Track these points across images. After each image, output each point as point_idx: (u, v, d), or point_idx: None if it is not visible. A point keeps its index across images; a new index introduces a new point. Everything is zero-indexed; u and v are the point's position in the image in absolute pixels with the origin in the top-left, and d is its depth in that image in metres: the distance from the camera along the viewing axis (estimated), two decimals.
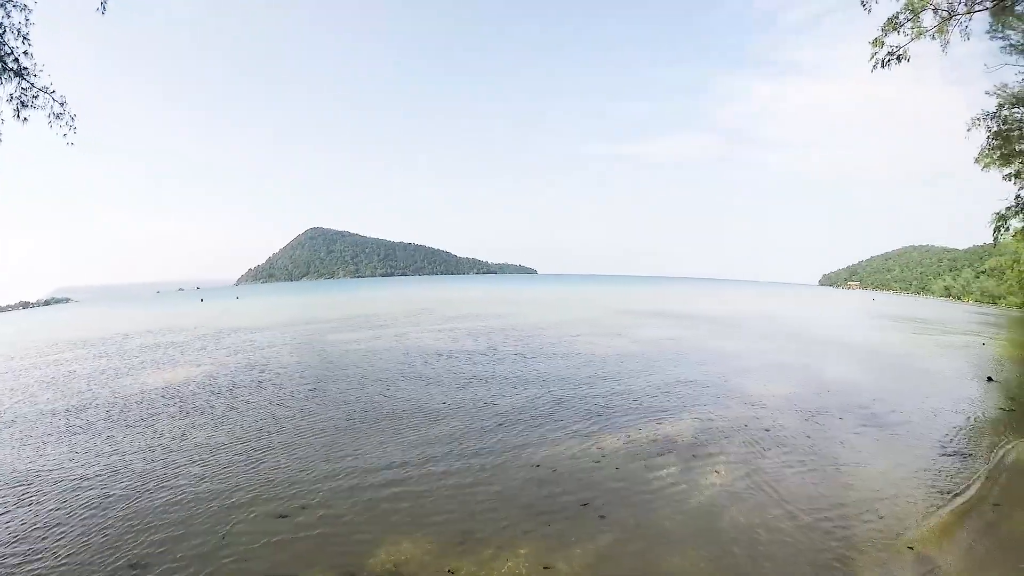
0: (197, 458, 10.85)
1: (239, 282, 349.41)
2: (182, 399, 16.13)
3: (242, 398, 16.03)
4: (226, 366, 21.29)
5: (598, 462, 10.34)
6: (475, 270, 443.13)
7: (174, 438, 12.24)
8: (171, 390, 17.24)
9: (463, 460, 10.51)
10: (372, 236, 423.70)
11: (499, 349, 24.46)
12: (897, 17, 32.08)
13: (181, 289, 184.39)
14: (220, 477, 9.72)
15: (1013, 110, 42.84)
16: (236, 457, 10.85)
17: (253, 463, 10.48)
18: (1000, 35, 42.46)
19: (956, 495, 9.35)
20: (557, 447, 11.19)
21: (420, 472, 9.88)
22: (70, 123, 15.03)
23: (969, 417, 15.19)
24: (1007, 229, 46.72)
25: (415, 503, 8.58)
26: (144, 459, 10.78)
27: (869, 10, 32.42)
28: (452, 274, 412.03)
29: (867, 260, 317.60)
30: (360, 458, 10.69)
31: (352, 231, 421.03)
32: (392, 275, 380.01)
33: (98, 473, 10.14)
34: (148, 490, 9.18)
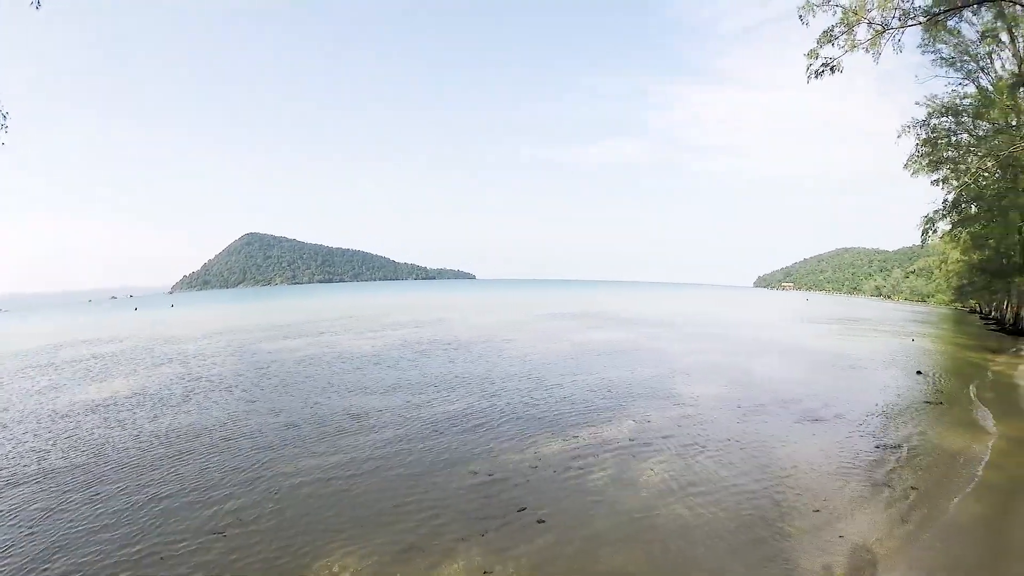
0: (125, 476, 10.27)
1: (174, 289, 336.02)
2: (111, 414, 15.31)
3: (174, 411, 15.32)
4: (158, 378, 20.38)
5: (535, 466, 10.27)
6: (413, 275, 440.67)
7: (100, 455, 11.55)
8: (100, 405, 16.33)
9: (400, 468, 10.28)
10: (310, 242, 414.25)
11: (434, 356, 24.21)
12: (832, 30, 33.39)
13: (114, 297, 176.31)
14: (151, 495, 9.21)
15: (941, 119, 45.05)
16: (167, 473, 10.31)
17: (185, 478, 9.99)
18: (932, 49, 44.67)
19: (886, 485, 9.67)
20: (493, 452, 11.07)
21: (356, 482, 9.60)
22: (1, 122, 13.85)
23: (899, 410, 15.84)
24: (935, 231, 49.19)
25: (352, 514, 8.31)
26: (68, 480, 10.10)
27: (807, 24, 33.64)
28: (391, 279, 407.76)
29: (800, 262, 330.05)
30: (295, 469, 10.33)
31: (289, 236, 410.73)
32: (330, 281, 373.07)
33: (20, 495, 9.48)
34: (74, 512, 8.60)
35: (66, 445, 12.30)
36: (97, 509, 8.71)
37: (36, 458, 11.42)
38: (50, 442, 12.57)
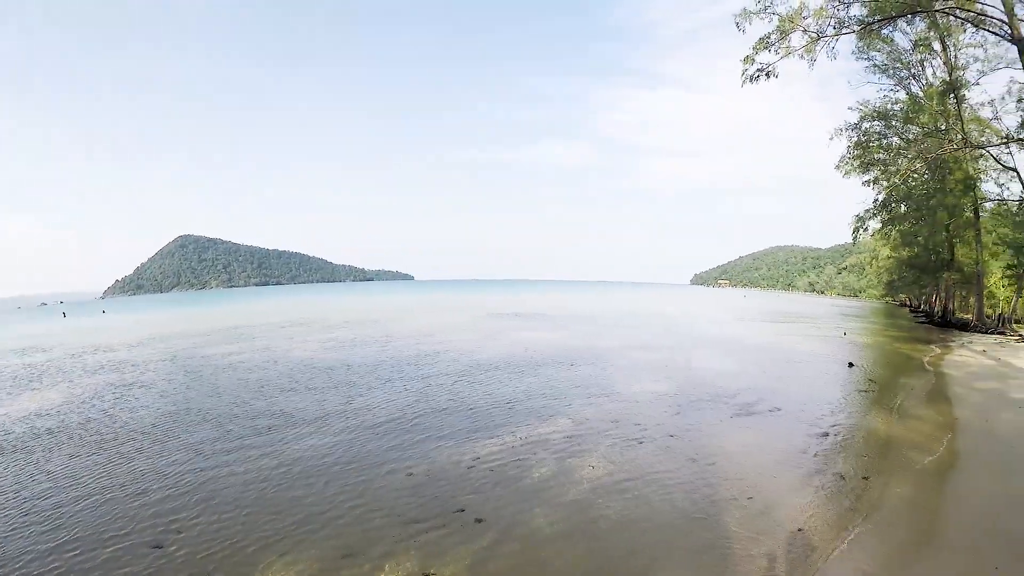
0: (54, 486, 9.63)
1: (106, 295, 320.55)
2: (40, 424, 14.46)
3: (105, 422, 14.51)
4: (88, 388, 19.32)
5: (472, 466, 10.10)
6: (351, 277, 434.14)
7: (29, 472, 10.76)
8: (27, 418, 15.35)
9: (337, 472, 9.96)
10: (245, 243, 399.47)
11: (370, 359, 23.70)
12: (768, 37, 34.31)
13: (44, 304, 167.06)
14: (86, 509, 8.63)
15: (873, 123, 47.00)
16: (102, 485, 9.70)
17: (118, 488, 9.43)
18: (865, 56, 46.55)
19: (819, 472, 9.90)
20: (431, 454, 10.84)
21: (293, 487, 9.25)
22: None
23: (831, 400, 16.36)
24: (866, 229, 51.28)
25: (290, 520, 7.99)
26: None
27: (743, 31, 34.50)
28: (328, 281, 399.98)
29: (736, 260, 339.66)
30: (230, 476, 9.88)
31: (224, 238, 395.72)
32: (267, 284, 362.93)
33: None
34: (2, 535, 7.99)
35: None
36: (26, 520, 8.14)
37: None
38: None
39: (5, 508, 8.71)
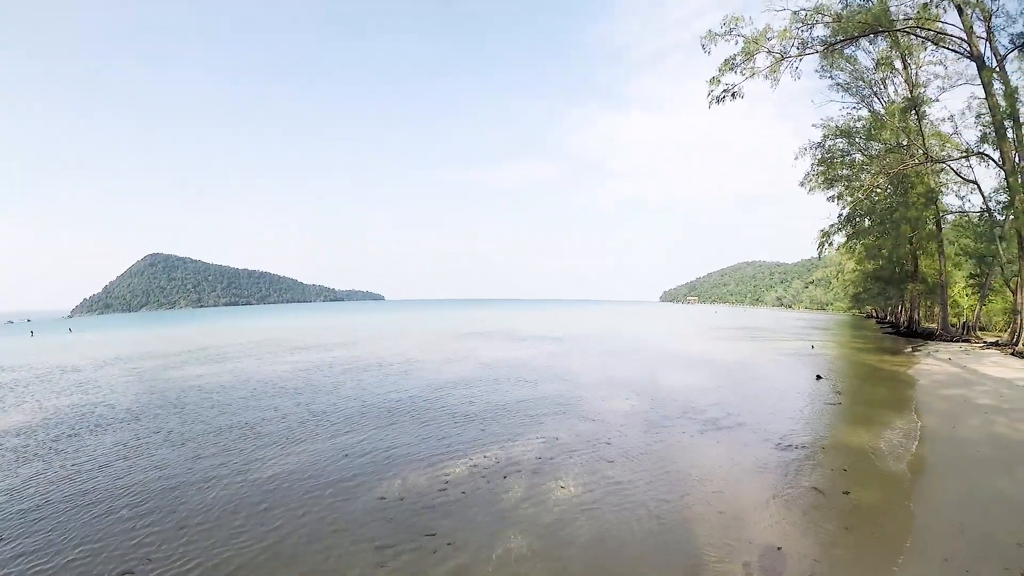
0: (22, 517, 9.18)
1: (73, 313, 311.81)
2: (5, 444, 13.91)
3: (73, 443, 13.99)
4: (52, 410, 18.61)
5: (443, 489, 9.90)
6: (322, 297, 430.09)
7: None
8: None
9: (306, 497, 9.67)
10: (215, 263, 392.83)
11: (340, 380, 23.20)
12: (734, 59, 35.11)
13: (11, 322, 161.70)
14: (52, 538, 8.23)
15: (836, 140, 48.19)
16: (69, 509, 9.31)
17: (86, 515, 9.03)
18: (829, 75, 47.83)
19: (789, 485, 9.90)
20: (401, 478, 10.60)
21: (264, 512, 8.97)
22: None
23: (800, 413, 16.52)
24: (831, 244, 52.32)
25: (262, 546, 7.72)
26: None
27: (708, 52, 35.26)
28: (299, 302, 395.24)
29: (704, 276, 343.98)
30: (201, 501, 9.54)
31: (194, 257, 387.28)
32: (236, 304, 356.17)
33: None
34: None
35: None
36: None
37: None
38: None
39: None
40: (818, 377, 23.31)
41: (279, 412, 17.02)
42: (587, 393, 19.93)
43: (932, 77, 42.30)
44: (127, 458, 12.48)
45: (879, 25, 33.44)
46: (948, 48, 35.05)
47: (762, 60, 35.43)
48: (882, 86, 47.80)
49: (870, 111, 47.72)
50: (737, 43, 35.32)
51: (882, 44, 40.73)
